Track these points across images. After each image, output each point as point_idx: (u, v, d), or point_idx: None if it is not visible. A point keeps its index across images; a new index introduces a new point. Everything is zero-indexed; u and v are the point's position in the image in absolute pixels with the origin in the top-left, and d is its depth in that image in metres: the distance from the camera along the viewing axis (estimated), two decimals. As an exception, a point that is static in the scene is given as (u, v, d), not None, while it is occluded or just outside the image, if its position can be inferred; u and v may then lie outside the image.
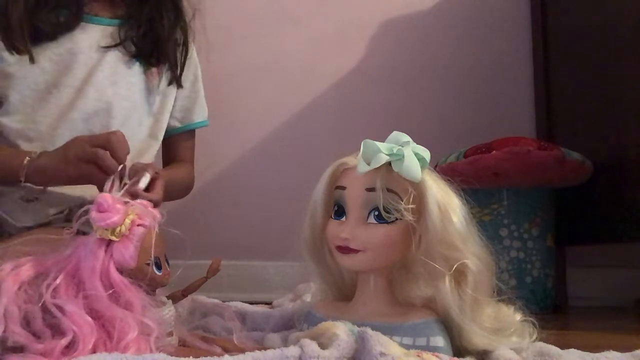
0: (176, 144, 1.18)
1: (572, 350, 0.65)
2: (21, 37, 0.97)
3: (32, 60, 0.97)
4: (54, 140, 0.97)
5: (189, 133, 1.19)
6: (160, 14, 1.09)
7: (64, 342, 0.53)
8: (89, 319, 0.55)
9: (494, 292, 0.67)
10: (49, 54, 1.00)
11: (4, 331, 0.54)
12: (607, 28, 1.31)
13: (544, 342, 0.67)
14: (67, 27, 1.01)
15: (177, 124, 1.16)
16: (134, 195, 0.73)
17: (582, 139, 1.38)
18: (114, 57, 1.05)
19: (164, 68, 1.10)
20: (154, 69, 1.09)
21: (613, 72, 1.29)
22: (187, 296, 0.76)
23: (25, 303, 0.56)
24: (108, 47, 1.04)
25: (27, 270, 0.58)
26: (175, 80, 1.11)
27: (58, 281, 0.57)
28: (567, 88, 1.49)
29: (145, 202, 0.65)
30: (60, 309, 0.55)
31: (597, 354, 0.64)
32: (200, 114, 1.19)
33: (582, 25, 1.42)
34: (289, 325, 0.81)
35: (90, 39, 1.03)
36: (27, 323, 0.55)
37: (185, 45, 1.13)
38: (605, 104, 1.31)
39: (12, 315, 0.55)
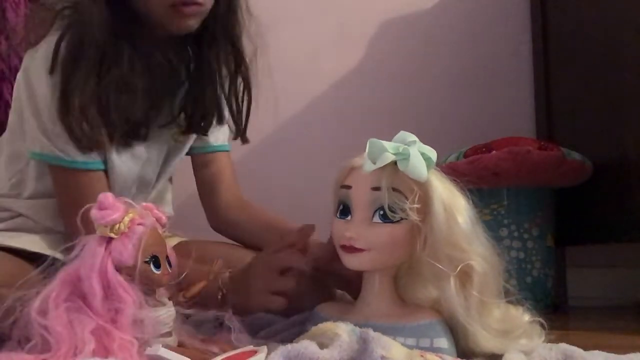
0: (223, 166, 1.10)
1: (596, 352, 0.64)
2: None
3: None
4: None
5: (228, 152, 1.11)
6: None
7: None
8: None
9: (501, 293, 0.66)
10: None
11: None
12: (608, 28, 1.31)
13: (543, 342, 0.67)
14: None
15: (220, 141, 1.09)
16: None
17: (582, 139, 1.37)
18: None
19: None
20: None
21: (613, 72, 1.28)
22: (188, 298, 0.76)
23: None
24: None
25: None
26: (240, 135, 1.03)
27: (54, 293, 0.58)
28: (567, 88, 1.49)
29: (149, 205, 0.65)
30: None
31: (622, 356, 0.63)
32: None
33: (582, 25, 1.42)
34: (291, 325, 0.81)
35: None
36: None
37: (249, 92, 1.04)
38: (606, 104, 1.31)
39: None
